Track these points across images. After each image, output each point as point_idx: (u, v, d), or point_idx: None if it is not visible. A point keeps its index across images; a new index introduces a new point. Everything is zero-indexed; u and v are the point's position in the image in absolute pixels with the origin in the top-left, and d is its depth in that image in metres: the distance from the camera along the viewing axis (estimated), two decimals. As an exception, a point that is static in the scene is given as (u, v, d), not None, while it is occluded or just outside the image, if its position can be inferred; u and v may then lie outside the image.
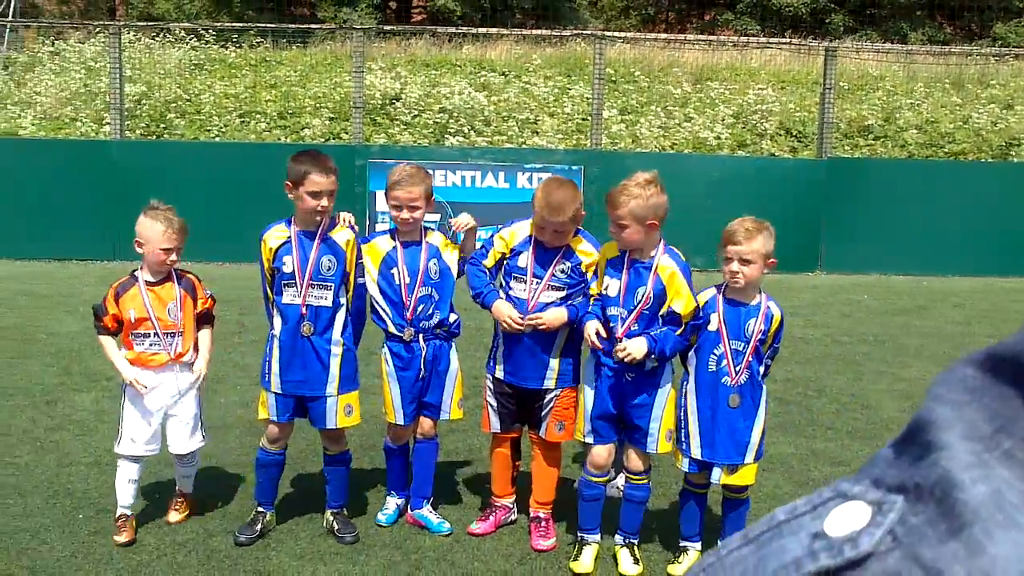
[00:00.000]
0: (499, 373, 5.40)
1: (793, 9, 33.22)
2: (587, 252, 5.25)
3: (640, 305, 4.94)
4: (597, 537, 5.28)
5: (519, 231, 5.32)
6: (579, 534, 5.30)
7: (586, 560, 5.18)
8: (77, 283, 12.54)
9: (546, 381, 5.32)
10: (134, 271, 5.36)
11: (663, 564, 5.29)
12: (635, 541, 5.27)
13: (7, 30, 21.55)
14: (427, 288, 5.34)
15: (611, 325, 5.00)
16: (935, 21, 34.68)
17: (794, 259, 13.56)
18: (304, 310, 5.21)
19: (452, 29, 19.83)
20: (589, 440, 5.19)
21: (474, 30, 19.39)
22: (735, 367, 4.88)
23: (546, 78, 19.96)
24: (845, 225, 15.12)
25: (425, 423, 5.57)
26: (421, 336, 5.37)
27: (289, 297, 5.23)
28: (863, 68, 21.97)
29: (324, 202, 5.12)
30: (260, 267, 5.37)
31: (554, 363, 5.30)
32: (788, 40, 23.90)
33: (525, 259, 5.25)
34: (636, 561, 5.20)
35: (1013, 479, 0.49)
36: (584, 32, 21.03)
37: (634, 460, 5.20)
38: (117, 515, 5.35)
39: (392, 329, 5.37)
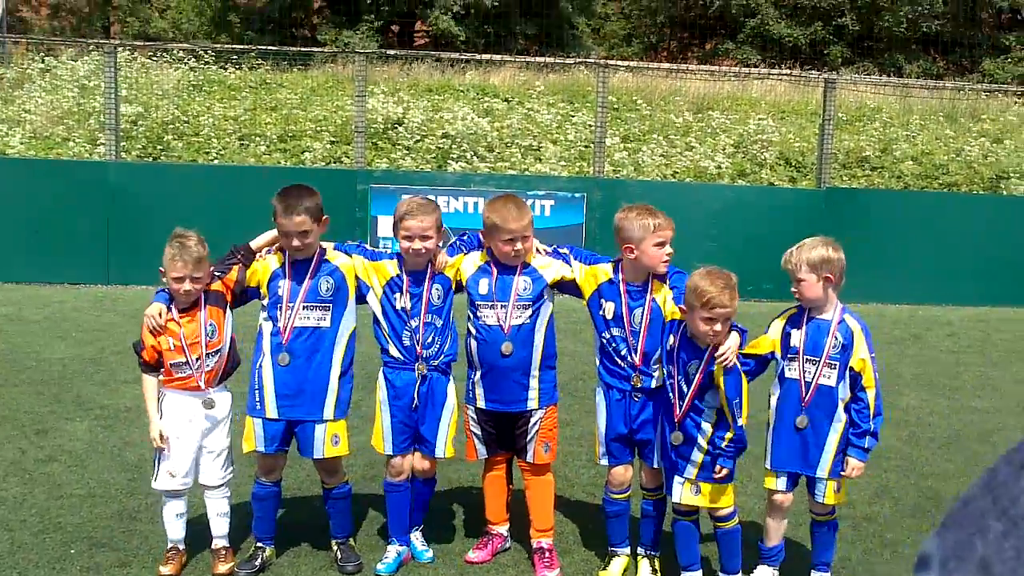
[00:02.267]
0: (480, 403, 5.39)
1: (793, 40, 33.43)
2: (543, 265, 5.36)
3: (644, 328, 5.16)
4: (627, 550, 5.47)
5: (468, 264, 5.39)
6: (610, 548, 5.50)
7: (615, 570, 5.40)
8: (69, 308, 12.28)
9: (529, 402, 5.35)
10: (171, 301, 5.20)
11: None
12: (655, 553, 5.42)
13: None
14: (430, 316, 5.28)
15: (614, 347, 5.22)
16: (929, 55, 35.01)
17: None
18: (286, 337, 5.16)
19: (455, 54, 19.74)
20: (604, 462, 5.39)
21: (477, 56, 19.29)
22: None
23: (549, 105, 19.91)
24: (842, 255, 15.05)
25: (426, 463, 5.46)
26: (418, 365, 5.29)
27: (280, 322, 5.19)
28: (861, 100, 22.06)
29: (295, 242, 5.10)
30: (241, 275, 5.23)
31: (534, 383, 5.34)
32: (788, 71, 23.93)
33: (486, 285, 5.30)
34: (655, 571, 5.40)
35: None
36: (587, 60, 20.99)
37: (647, 477, 5.39)
38: (168, 547, 5.25)
39: (392, 351, 5.30)
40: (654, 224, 5.08)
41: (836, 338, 4.98)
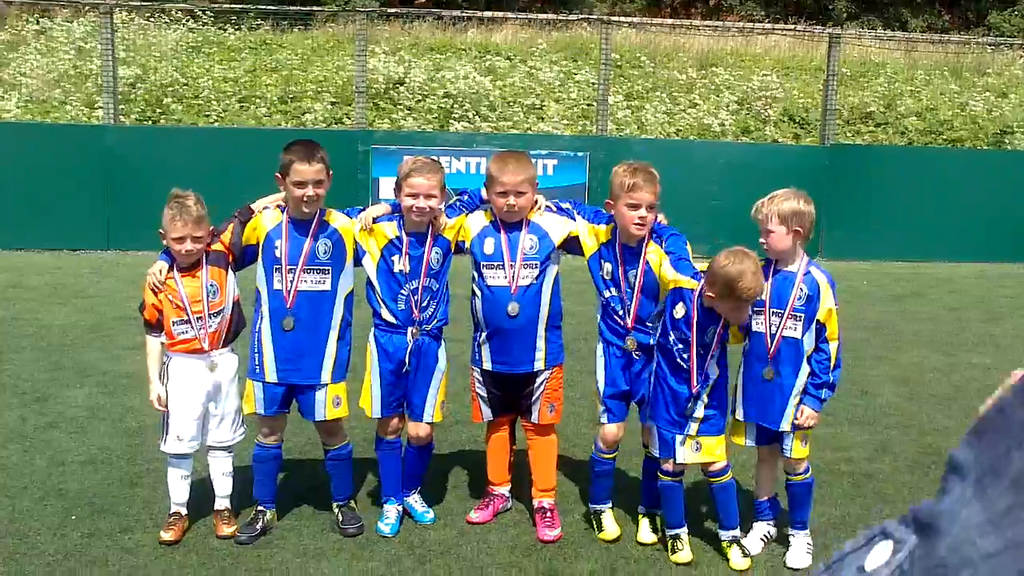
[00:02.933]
0: (487, 364, 5.36)
1: (797, -6, 33.11)
2: (549, 224, 5.30)
3: (637, 291, 5.15)
4: (609, 504, 5.48)
5: (473, 223, 5.32)
6: (592, 506, 5.49)
7: (610, 526, 5.39)
8: (69, 274, 12.25)
9: (536, 363, 5.33)
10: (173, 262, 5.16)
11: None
12: (656, 511, 5.43)
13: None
14: (428, 279, 5.23)
15: (612, 307, 5.23)
16: (934, 8, 34.68)
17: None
18: (290, 302, 5.12)
19: (456, 12, 19.54)
20: (604, 420, 5.37)
21: (479, 14, 19.09)
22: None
23: (552, 63, 19.74)
24: (846, 212, 15.03)
25: (422, 428, 5.42)
26: (410, 330, 5.24)
27: (278, 283, 5.14)
28: (865, 55, 21.86)
29: (309, 191, 5.02)
30: (237, 235, 5.16)
31: (541, 343, 5.31)
32: (792, 26, 23.70)
33: (492, 244, 5.24)
34: (656, 530, 5.40)
35: (980, 511, 0.57)
36: (590, 17, 20.79)
37: (649, 435, 5.37)
38: (170, 512, 5.25)
39: (385, 315, 5.24)
40: (629, 183, 5.01)
41: (801, 289, 4.96)
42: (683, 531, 5.21)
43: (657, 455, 5.20)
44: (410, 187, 5.09)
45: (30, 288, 11.34)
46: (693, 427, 5.02)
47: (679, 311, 4.96)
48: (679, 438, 5.05)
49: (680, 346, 5.00)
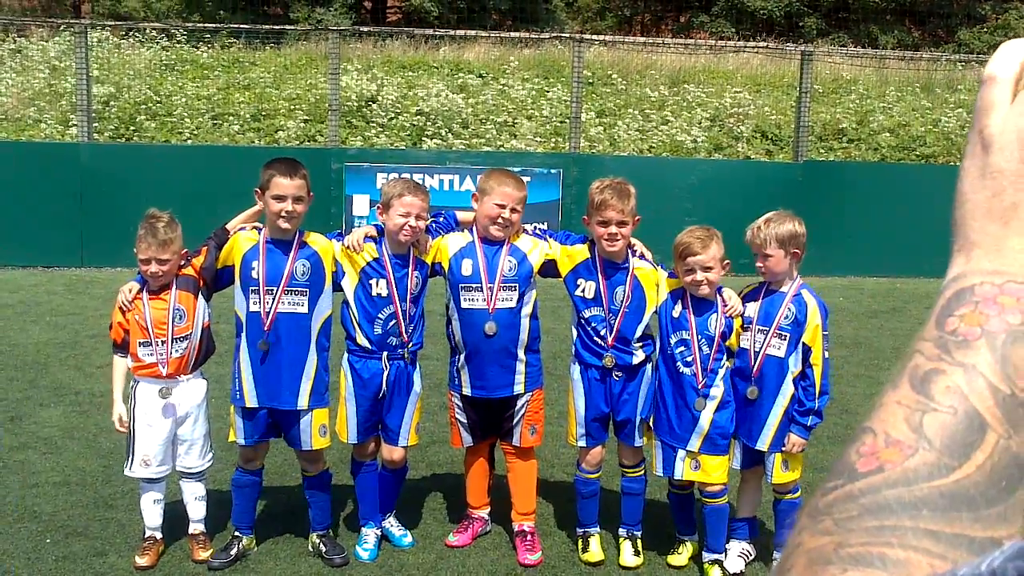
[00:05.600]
0: (466, 390, 5.31)
1: (768, 12, 33.34)
2: (528, 247, 5.28)
3: (623, 306, 5.15)
4: (598, 528, 5.46)
5: (451, 243, 5.27)
6: (580, 529, 5.47)
7: (595, 549, 5.37)
8: (43, 291, 12.13)
9: (515, 387, 5.29)
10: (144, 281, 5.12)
11: (664, 555, 5.43)
12: (637, 533, 5.44)
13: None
14: (406, 303, 5.18)
15: (592, 326, 5.20)
16: (904, 26, 35.00)
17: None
18: (268, 324, 5.05)
19: (428, 31, 19.59)
20: (582, 444, 5.37)
21: (451, 32, 19.14)
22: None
23: (524, 80, 19.81)
24: (820, 228, 15.01)
25: (396, 452, 5.38)
26: (386, 355, 5.19)
27: (255, 305, 5.07)
28: (837, 72, 22.05)
29: (288, 206, 4.96)
30: (211, 260, 5.13)
31: (520, 366, 5.28)
32: (763, 44, 23.88)
33: (470, 265, 5.19)
34: (637, 552, 5.39)
35: None
36: (562, 35, 20.88)
37: (626, 454, 5.40)
38: (144, 536, 5.20)
39: (360, 339, 5.18)
40: (598, 200, 5.04)
41: (789, 309, 5.00)
42: (695, 537, 5.37)
43: (660, 474, 5.22)
44: (404, 206, 5.03)
45: (3, 306, 11.21)
46: (696, 443, 5.03)
47: (676, 310, 5.04)
48: (680, 453, 5.07)
49: (682, 348, 5.03)
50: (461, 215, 5.45)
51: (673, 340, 5.05)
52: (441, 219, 5.43)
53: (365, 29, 20.98)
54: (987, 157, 0.77)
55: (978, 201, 0.77)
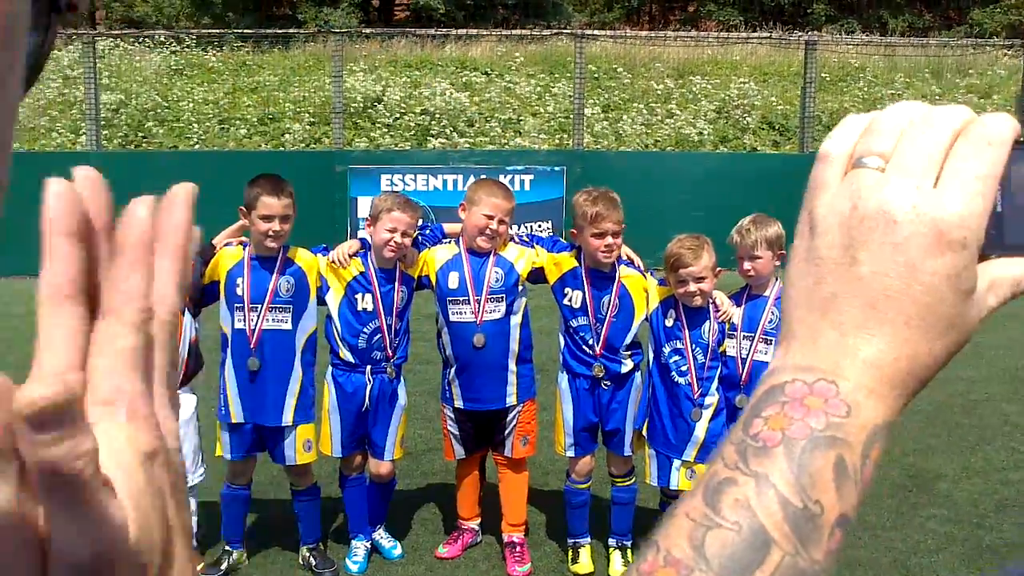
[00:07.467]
0: (458, 402, 5.30)
1: (776, -1, 33.18)
2: (514, 256, 5.25)
3: (610, 316, 5.11)
4: (588, 539, 5.45)
5: (438, 255, 5.25)
6: (571, 540, 5.45)
7: (585, 560, 5.36)
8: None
9: (508, 399, 5.27)
10: None
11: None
12: (628, 543, 5.39)
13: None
14: (391, 318, 5.19)
15: (580, 335, 5.17)
16: (914, 8, 34.62)
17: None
18: (254, 341, 5.06)
19: (433, 30, 19.68)
20: (571, 454, 5.34)
21: (455, 30, 19.23)
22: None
23: (528, 76, 19.85)
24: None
25: (383, 466, 5.40)
26: (369, 369, 5.21)
27: (240, 322, 5.07)
28: (844, 59, 21.93)
29: (276, 226, 4.94)
30: (197, 275, 5.02)
31: (512, 378, 5.26)
32: (768, 34, 23.83)
33: (456, 278, 5.17)
34: (627, 562, 5.31)
35: None
36: (564, 31, 20.92)
37: (616, 464, 5.36)
38: None
39: (344, 353, 5.20)
40: (592, 213, 4.96)
41: (772, 312, 4.96)
42: None
43: (655, 483, 5.20)
44: (392, 221, 5.02)
45: (15, 315, 11.35)
46: (691, 452, 5.01)
47: (670, 320, 5.01)
48: (675, 463, 5.05)
49: (676, 358, 5.00)
50: (448, 227, 5.46)
51: (667, 350, 5.02)
52: (428, 231, 5.42)
53: (368, 30, 21.07)
54: (812, 240, 0.72)
55: (801, 288, 0.73)
